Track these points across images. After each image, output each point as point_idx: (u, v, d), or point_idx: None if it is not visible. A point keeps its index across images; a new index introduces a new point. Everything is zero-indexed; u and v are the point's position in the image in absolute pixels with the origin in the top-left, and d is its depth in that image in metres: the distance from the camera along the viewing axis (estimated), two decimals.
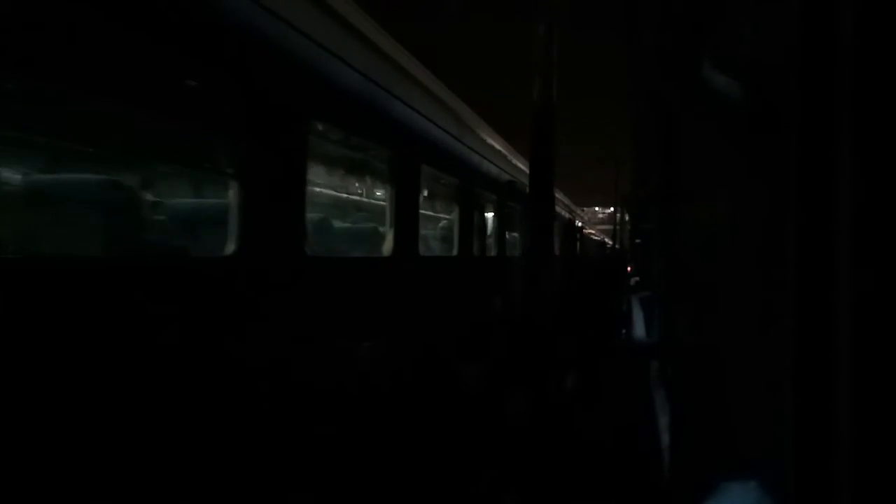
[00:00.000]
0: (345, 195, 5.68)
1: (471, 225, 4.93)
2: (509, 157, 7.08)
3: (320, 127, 2.72)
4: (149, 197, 2.84)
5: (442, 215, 6.81)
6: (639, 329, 6.11)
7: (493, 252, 5.91)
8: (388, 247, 3.35)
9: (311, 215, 3.45)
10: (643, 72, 4.00)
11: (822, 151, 0.68)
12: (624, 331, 7.57)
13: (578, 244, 12.71)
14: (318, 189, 4.89)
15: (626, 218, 18.20)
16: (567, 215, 11.70)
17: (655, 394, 3.63)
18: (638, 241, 11.00)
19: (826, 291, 0.69)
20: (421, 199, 3.99)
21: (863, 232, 0.63)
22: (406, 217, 3.46)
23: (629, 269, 13.03)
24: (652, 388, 3.97)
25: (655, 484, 2.77)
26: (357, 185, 5.81)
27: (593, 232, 24.39)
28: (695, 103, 1.77)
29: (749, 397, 1.07)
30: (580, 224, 14.50)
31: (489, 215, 5.97)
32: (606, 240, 25.06)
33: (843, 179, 0.65)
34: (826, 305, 0.69)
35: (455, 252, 4.63)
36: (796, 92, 0.73)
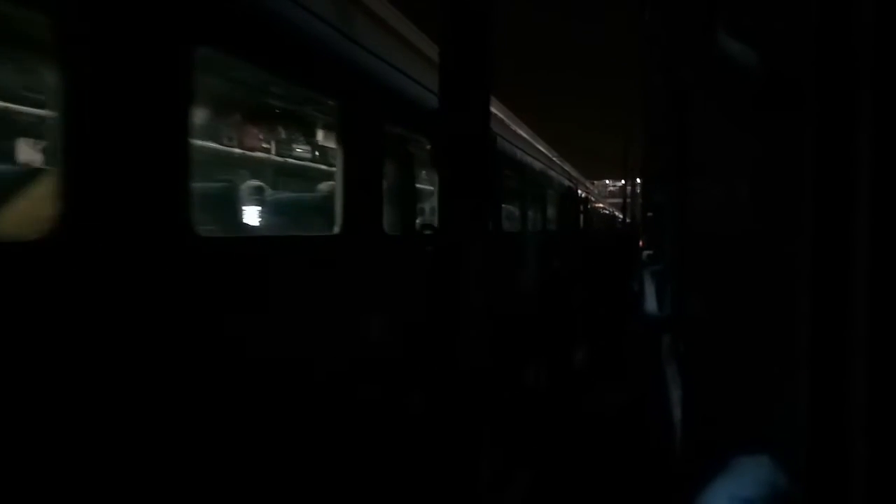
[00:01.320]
0: None
1: (375, 182, 2.77)
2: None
3: None
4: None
5: (301, 162, 4.19)
6: (651, 303, 6.10)
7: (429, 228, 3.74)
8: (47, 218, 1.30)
9: None
10: (655, 43, 3.93)
11: (841, 126, 0.67)
12: (636, 310, 7.39)
13: (583, 217, 11.69)
14: None
15: (638, 191, 18.02)
16: (568, 183, 10.25)
17: (667, 368, 3.64)
18: (650, 214, 10.91)
19: (842, 267, 0.68)
20: (199, 125, 2.39)
21: (882, 208, 0.63)
22: (152, 157, 1.52)
23: (641, 243, 12.95)
24: (664, 363, 3.98)
25: (666, 458, 2.79)
26: None
27: (603, 205, 24.07)
28: (708, 76, 1.74)
29: (761, 372, 1.07)
30: (584, 194, 13.37)
31: (424, 171, 3.78)
32: (617, 213, 24.76)
33: (862, 155, 0.64)
34: (842, 281, 0.68)
35: (337, 229, 2.47)
36: (814, 65, 0.72)
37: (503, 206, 5.26)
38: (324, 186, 3.18)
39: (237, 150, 3.83)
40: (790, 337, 0.80)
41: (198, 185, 1.75)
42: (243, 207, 2.87)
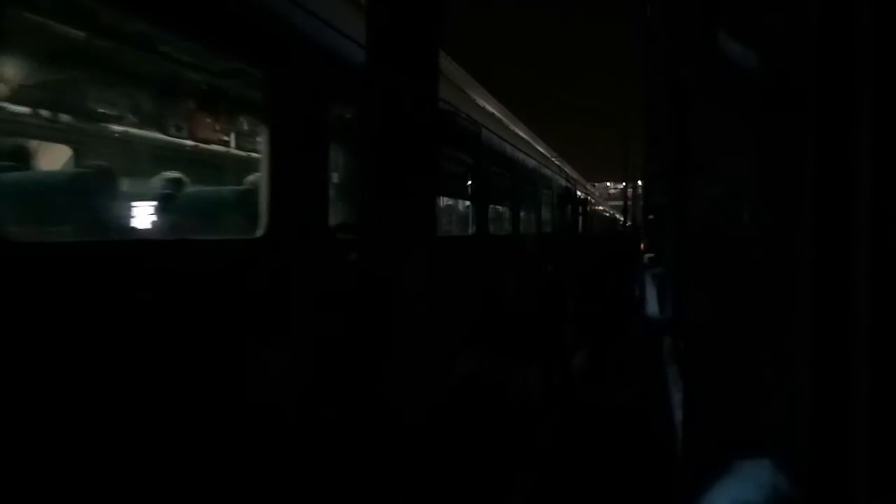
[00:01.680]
0: None
1: (318, 173, 2.15)
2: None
3: None
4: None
5: (209, 146, 3.18)
6: (652, 306, 6.09)
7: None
8: None
9: None
10: (655, 43, 3.93)
11: (841, 127, 0.67)
12: (638, 317, 7.14)
13: (582, 219, 10.58)
14: None
15: (639, 193, 18.03)
16: (566, 182, 9.04)
17: (668, 370, 3.63)
18: (651, 217, 10.91)
19: (844, 269, 0.68)
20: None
21: (882, 208, 0.62)
22: None
23: (642, 246, 12.94)
24: (665, 365, 3.97)
25: (668, 461, 2.79)
26: None
27: (603, 208, 23.87)
28: (708, 76, 1.74)
29: (763, 374, 1.06)
30: (584, 195, 12.36)
31: None
32: (618, 216, 24.56)
33: (863, 155, 0.64)
34: (844, 283, 0.68)
35: (261, 231, 1.86)
36: (814, 65, 0.71)
37: (490, 205, 4.81)
38: (247, 178, 2.55)
39: (110, 129, 2.78)
40: (792, 339, 0.80)
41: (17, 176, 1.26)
42: (114, 203, 2.19)
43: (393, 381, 1.48)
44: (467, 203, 4.64)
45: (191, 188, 2.59)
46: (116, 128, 2.92)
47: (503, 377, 4.45)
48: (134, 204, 2.40)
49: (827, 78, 0.69)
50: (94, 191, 1.99)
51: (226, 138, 3.49)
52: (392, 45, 1.43)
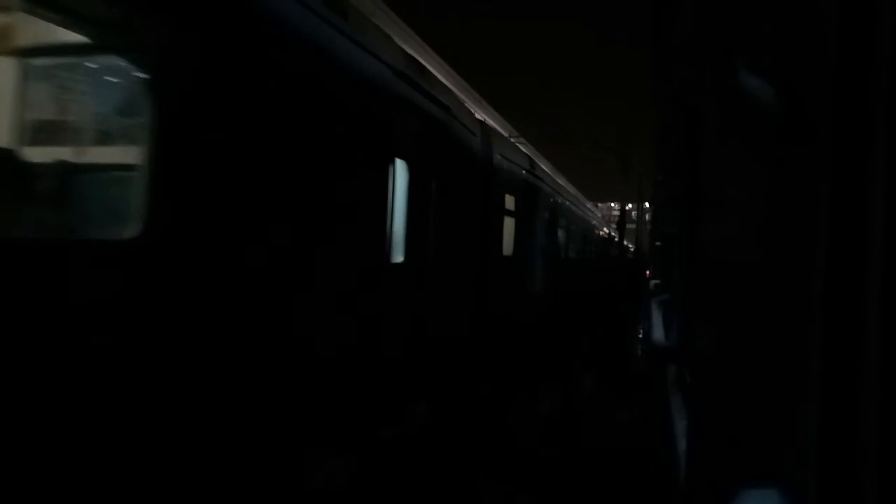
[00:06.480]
0: None
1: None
2: None
3: None
4: None
5: None
6: (657, 332, 6.05)
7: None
8: None
9: None
10: (668, 72, 3.96)
11: (856, 160, 0.67)
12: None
13: (518, 228, 7.24)
14: None
15: (644, 215, 17.98)
16: (461, 127, 5.21)
17: (672, 399, 3.60)
18: (658, 243, 10.89)
19: (854, 300, 0.68)
20: None
21: (894, 241, 0.63)
22: None
23: (647, 273, 12.90)
24: (669, 394, 3.93)
25: (673, 491, 2.75)
26: None
27: (588, 224, 21.69)
28: (721, 106, 1.75)
29: (770, 406, 1.05)
30: (535, 179, 8.38)
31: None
32: (623, 238, 22.91)
33: (877, 189, 0.64)
34: (854, 314, 0.68)
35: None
36: (830, 98, 0.72)
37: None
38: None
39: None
40: (800, 370, 0.79)
41: None
42: None
43: None
44: None
45: None
46: None
47: None
48: None
49: (842, 111, 0.70)
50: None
51: None
52: None
